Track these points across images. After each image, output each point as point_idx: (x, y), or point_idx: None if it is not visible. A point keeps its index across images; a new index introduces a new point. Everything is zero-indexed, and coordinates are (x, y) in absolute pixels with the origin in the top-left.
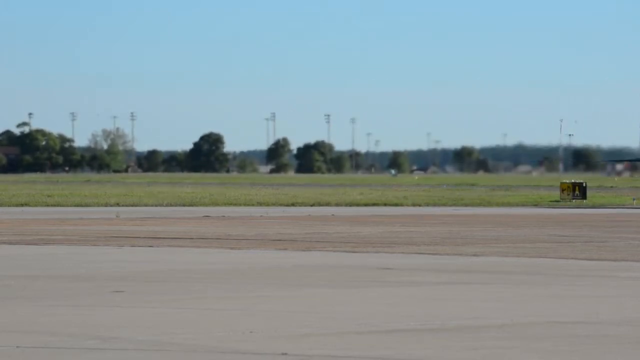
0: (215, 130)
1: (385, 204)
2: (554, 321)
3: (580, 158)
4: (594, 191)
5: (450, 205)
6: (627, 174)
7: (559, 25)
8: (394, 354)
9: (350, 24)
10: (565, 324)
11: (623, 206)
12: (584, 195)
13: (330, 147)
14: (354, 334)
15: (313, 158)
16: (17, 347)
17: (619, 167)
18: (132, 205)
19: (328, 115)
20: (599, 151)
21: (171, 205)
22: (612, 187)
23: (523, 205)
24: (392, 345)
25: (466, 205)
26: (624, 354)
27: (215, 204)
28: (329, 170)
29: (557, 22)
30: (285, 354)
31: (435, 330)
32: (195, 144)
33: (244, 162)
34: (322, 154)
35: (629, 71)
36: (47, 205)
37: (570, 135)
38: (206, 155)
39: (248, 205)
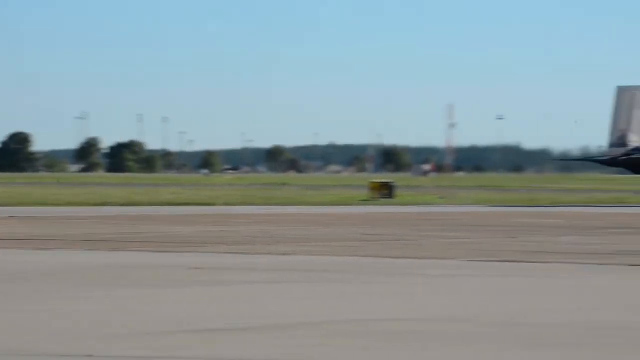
0: (23, 129)
1: (197, 204)
2: (361, 319)
3: (390, 158)
4: (402, 190)
5: (262, 205)
6: (434, 174)
7: (358, 22)
8: (204, 354)
9: (160, 23)
10: (374, 322)
11: (430, 204)
12: (392, 194)
13: (142, 146)
14: (164, 334)
15: (124, 157)
16: None
17: (426, 167)
18: None
19: (141, 115)
20: (407, 150)
21: None
22: (419, 186)
23: (333, 204)
24: (202, 345)
25: (277, 204)
26: (432, 350)
27: (22, 204)
28: (141, 170)
29: (358, 19)
30: (91, 355)
31: (244, 329)
32: (3, 144)
33: (53, 161)
34: (134, 153)
35: (431, 70)
36: None
37: (378, 135)
38: (14, 154)
39: (57, 205)
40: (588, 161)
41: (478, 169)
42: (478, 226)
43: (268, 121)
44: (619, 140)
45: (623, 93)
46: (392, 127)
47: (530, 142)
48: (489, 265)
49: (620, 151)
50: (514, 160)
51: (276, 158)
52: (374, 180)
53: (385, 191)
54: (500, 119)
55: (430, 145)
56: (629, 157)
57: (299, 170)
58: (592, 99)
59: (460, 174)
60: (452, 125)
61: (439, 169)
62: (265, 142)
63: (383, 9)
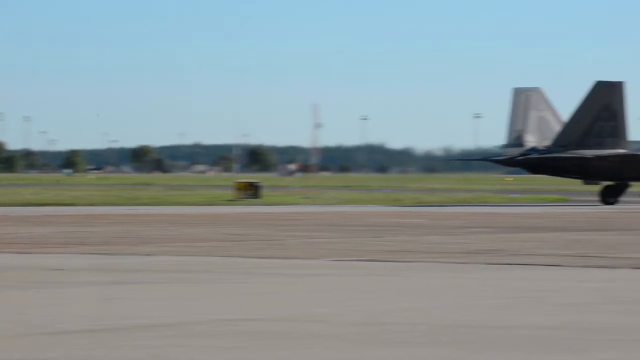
0: None
1: (59, 204)
2: (224, 319)
3: (255, 157)
4: (268, 190)
5: (126, 205)
6: (300, 174)
7: (220, 20)
8: (61, 356)
9: (20, 21)
10: (234, 321)
11: (296, 204)
12: (258, 194)
13: (2, 145)
14: (20, 336)
15: None
16: None
17: (292, 167)
18: None
19: (2, 113)
20: (273, 150)
21: None
22: (285, 186)
23: (199, 204)
24: (62, 346)
25: (142, 204)
26: (291, 349)
27: None
28: (1, 170)
29: (219, 17)
30: None
31: (107, 330)
32: None
33: None
34: None
35: (297, 70)
36: None
37: (244, 135)
38: None
39: None
40: (486, 161)
41: (343, 168)
42: (343, 226)
43: (133, 121)
44: (515, 141)
45: (519, 94)
46: (258, 126)
47: (395, 142)
48: (353, 264)
49: (517, 151)
50: (378, 160)
51: (141, 158)
52: (240, 180)
53: (251, 191)
54: (364, 119)
55: (296, 145)
56: (526, 157)
57: (164, 170)
58: (460, 99)
59: (326, 174)
60: (317, 125)
61: (305, 168)
62: (130, 141)
63: (248, 6)
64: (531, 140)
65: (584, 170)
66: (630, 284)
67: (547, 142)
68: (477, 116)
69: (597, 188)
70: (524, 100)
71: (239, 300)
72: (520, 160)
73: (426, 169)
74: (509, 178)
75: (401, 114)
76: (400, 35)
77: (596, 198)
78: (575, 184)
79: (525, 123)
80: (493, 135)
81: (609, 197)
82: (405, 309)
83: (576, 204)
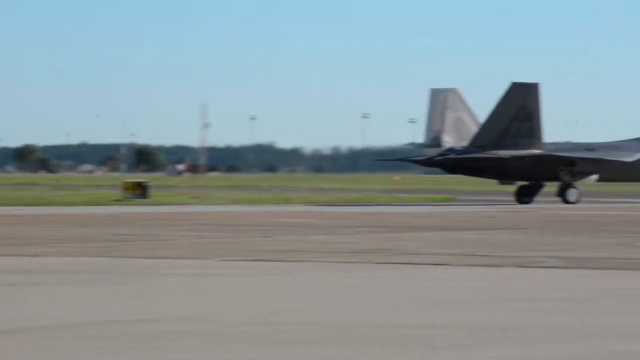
0: None
1: None
2: (109, 320)
3: (143, 157)
4: (156, 190)
5: (10, 205)
6: (188, 174)
7: (112, 20)
8: None
9: None
10: (120, 323)
11: (184, 204)
12: (146, 194)
13: None
14: None
15: None
16: None
17: (181, 167)
18: None
19: None
20: (161, 150)
21: None
22: (173, 186)
23: (86, 204)
24: None
25: (27, 204)
26: (179, 350)
27: None
28: None
29: (114, 16)
30: None
31: None
32: None
33: None
34: None
35: (184, 69)
36: None
37: (131, 134)
38: None
39: None
40: (405, 161)
41: (232, 168)
42: (232, 226)
43: (17, 119)
44: (433, 141)
45: (436, 95)
46: (146, 126)
47: (283, 141)
48: (243, 264)
49: (435, 151)
50: (267, 159)
51: (25, 157)
52: (127, 180)
53: (139, 191)
54: (253, 119)
55: (184, 145)
56: (443, 157)
57: (49, 169)
58: (348, 99)
59: (215, 174)
60: (205, 125)
61: (194, 168)
62: (14, 141)
63: (131, 6)
64: (448, 140)
65: (501, 171)
66: (514, 282)
67: (464, 143)
68: (365, 116)
69: (512, 188)
70: (441, 101)
71: (126, 300)
72: (438, 160)
73: (315, 169)
74: (397, 177)
75: (290, 113)
76: (287, 34)
77: (485, 198)
78: (490, 184)
79: (443, 123)
80: (381, 134)
81: (524, 196)
82: (294, 309)
83: (464, 203)
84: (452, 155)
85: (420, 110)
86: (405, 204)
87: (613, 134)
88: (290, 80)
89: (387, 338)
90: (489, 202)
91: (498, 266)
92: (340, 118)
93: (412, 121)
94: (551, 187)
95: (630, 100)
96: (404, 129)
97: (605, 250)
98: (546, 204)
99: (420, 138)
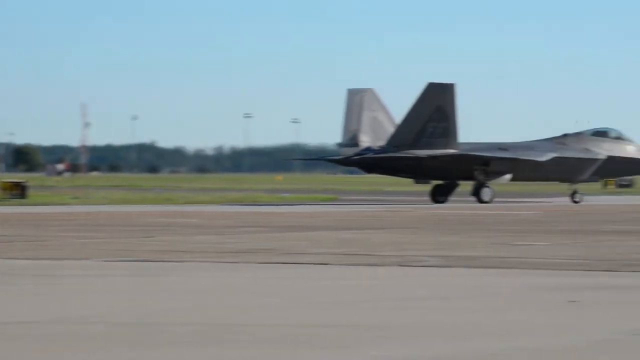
0: None
1: None
2: None
3: (21, 156)
4: (35, 190)
5: None
6: (69, 174)
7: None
8: None
9: None
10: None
11: (64, 204)
12: (24, 195)
13: None
14: None
15: None
16: None
17: (61, 166)
18: None
19: None
20: (40, 149)
21: None
22: (53, 186)
23: None
24: None
25: None
26: (61, 352)
27: None
28: None
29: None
30: None
31: None
32: None
33: None
34: None
35: (64, 68)
36: None
37: (9, 133)
38: None
39: None
40: (323, 160)
41: (114, 168)
42: (114, 226)
43: None
44: (350, 141)
45: (353, 95)
46: (24, 125)
47: (165, 141)
48: (124, 264)
49: (352, 151)
50: (149, 159)
51: None
52: (5, 180)
53: (17, 191)
54: (134, 118)
55: (64, 144)
56: (362, 156)
57: None
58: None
59: (96, 174)
60: (86, 125)
61: (74, 168)
62: None
63: (14, 3)
64: (365, 140)
65: (418, 170)
66: (396, 281)
67: (381, 142)
68: (247, 116)
69: (427, 187)
70: (358, 101)
71: (3, 303)
72: (356, 159)
73: (198, 169)
74: (279, 177)
75: (172, 113)
76: (168, 33)
77: (368, 197)
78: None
79: (359, 123)
80: (265, 134)
81: (439, 196)
82: (177, 309)
83: (347, 203)
84: (370, 155)
85: (303, 110)
86: (288, 204)
87: (525, 134)
88: (172, 79)
89: (270, 337)
90: (385, 202)
91: (381, 265)
92: (224, 117)
93: (295, 121)
94: (466, 186)
95: (542, 100)
96: (287, 129)
97: (483, 249)
98: (461, 203)
99: (304, 138)
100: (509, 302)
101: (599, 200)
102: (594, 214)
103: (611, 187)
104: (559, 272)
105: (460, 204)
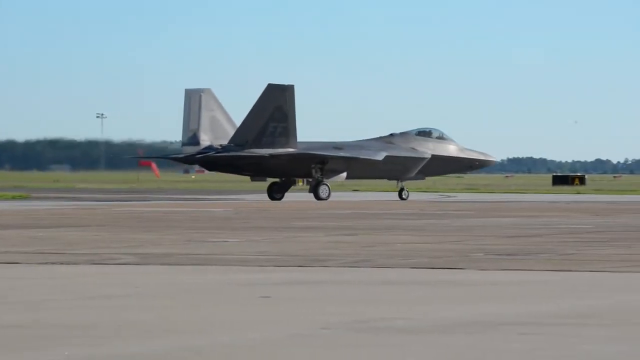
0: None
1: None
2: None
3: None
4: None
5: None
6: None
7: None
8: None
9: None
10: None
11: None
12: None
13: None
14: None
15: None
16: None
17: None
18: None
19: None
20: None
21: None
22: None
23: None
24: None
25: None
26: None
27: None
28: None
29: None
30: None
31: None
32: None
33: None
34: None
35: None
36: None
37: None
38: None
39: None
40: (166, 159)
41: None
42: None
43: None
44: (191, 139)
45: (191, 95)
46: None
47: None
48: None
49: (194, 149)
50: None
51: None
52: None
53: None
54: None
55: None
56: (205, 155)
57: None
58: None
59: None
60: None
61: None
62: None
63: None
64: (205, 138)
65: (260, 168)
66: (90, 279)
67: (220, 141)
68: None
69: (265, 184)
70: (196, 101)
71: None
72: (199, 158)
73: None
74: None
75: None
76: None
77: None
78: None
79: (199, 122)
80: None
81: (276, 193)
82: None
83: (37, 200)
84: (213, 153)
85: (109, 105)
86: None
87: (357, 133)
88: None
89: None
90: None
91: (73, 264)
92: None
93: (100, 116)
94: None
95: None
96: (94, 124)
97: (178, 246)
98: (299, 199)
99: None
100: (204, 299)
101: (293, 197)
102: (284, 210)
103: (301, 185)
104: (251, 268)
105: (306, 200)
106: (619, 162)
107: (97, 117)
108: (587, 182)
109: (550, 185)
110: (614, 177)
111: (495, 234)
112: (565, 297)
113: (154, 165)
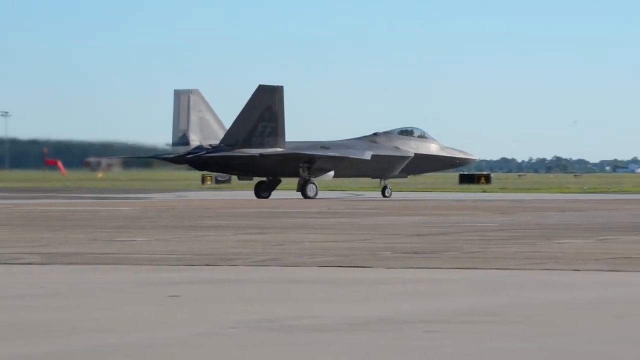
0: None
1: None
2: None
3: None
4: None
5: None
6: None
7: None
8: None
9: None
10: None
11: None
12: None
13: None
14: None
15: None
16: None
17: None
18: None
19: None
20: None
21: None
22: None
23: None
24: None
25: None
26: None
27: None
28: None
29: None
30: None
31: None
32: None
33: None
34: None
35: None
36: None
37: None
38: None
39: None
40: (157, 159)
41: None
42: None
43: None
44: (181, 140)
45: (180, 95)
46: None
47: None
48: None
49: (184, 149)
50: None
51: None
52: None
53: None
54: None
55: None
56: (196, 154)
57: None
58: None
59: None
60: None
61: None
62: None
63: None
64: (195, 139)
65: (250, 168)
66: None
67: (210, 141)
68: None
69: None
70: (185, 102)
71: None
72: (190, 158)
73: None
74: None
75: None
76: None
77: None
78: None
79: (188, 123)
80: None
81: (263, 191)
82: None
83: None
84: (204, 153)
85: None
86: None
87: (339, 133)
88: None
89: None
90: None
91: None
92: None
93: (4, 114)
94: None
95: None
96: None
97: (85, 246)
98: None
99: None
100: (113, 298)
101: (198, 195)
102: (192, 209)
103: (209, 183)
104: (160, 267)
105: (295, 198)
106: (523, 160)
107: (2, 115)
108: (492, 180)
109: (457, 184)
110: (519, 175)
111: (402, 232)
112: (471, 295)
113: (60, 163)
